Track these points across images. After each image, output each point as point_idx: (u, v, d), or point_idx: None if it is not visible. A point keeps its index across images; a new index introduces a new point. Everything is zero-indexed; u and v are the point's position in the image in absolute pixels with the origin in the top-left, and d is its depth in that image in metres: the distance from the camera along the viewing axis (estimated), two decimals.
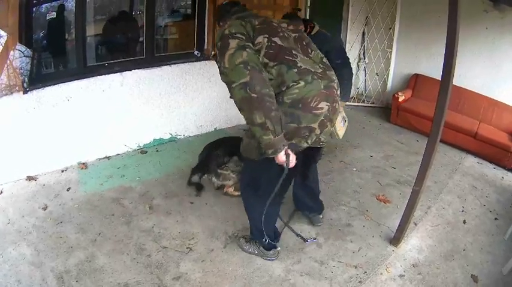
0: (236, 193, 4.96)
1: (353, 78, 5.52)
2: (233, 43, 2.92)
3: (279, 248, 4.06)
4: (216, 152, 5.00)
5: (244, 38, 2.98)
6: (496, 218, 5.33)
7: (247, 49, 2.90)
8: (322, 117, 3.11)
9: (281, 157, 2.95)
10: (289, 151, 2.98)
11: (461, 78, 7.64)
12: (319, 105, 3.05)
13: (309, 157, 3.90)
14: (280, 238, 4.16)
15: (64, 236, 4.04)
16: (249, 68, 2.80)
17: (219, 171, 4.90)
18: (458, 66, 7.51)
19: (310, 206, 4.64)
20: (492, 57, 7.62)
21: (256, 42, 3.02)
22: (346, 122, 5.28)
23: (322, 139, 3.38)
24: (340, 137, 5.16)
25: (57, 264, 3.67)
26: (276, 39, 3.08)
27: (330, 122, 3.26)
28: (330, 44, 4.98)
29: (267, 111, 2.81)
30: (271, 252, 4.01)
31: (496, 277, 4.22)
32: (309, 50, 3.24)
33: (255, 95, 2.78)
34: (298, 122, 3.05)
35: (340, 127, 5.15)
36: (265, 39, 3.04)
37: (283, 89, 3.01)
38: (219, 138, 5.30)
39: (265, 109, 2.81)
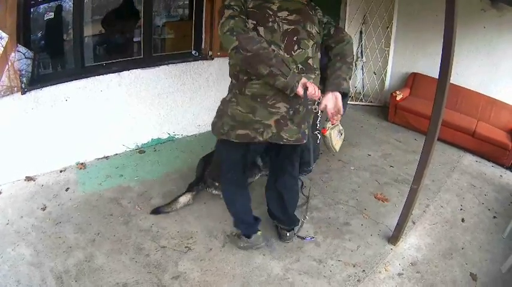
0: None
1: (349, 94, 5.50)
2: (226, 13, 3.03)
3: (259, 232, 4.05)
4: (211, 167, 4.99)
5: (238, 10, 3.05)
6: (494, 217, 5.34)
7: (235, 18, 2.99)
8: (279, 117, 3.19)
9: (300, 92, 2.95)
10: (307, 83, 2.96)
11: (459, 77, 7.68)
12: (276, 105, 3.17)
13: (281, 154, 3.83)
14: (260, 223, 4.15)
15: (63, 236, 4.03)
16: (234, 33, 2.92)
17: (216, 183, 4.88)
18: (456, 65, 7.51)
19: (276, 215, 4.29)
20: (490, 56, 7.64)
21: None
22: (343, 135, 5.29)
23: (285, 137, 3.29)
24: (337, 151, 5.18)
25: (56, 264, 3.67)
26: (260, 29, 3.10)
27: (294, 124, 3.27)
28: None
29: (267, 60, 2.88)
30: (252, 238, 4.01)
31: (495, 275, 4.23)
32: (295, 47, 3.16)
33: (250, 53, 2.89)
34: (253, 115, 3.20)
35: (337, 140, 5.17)
36: (252, 26, 3.09)
37: (246, 79, 3.15)
38: (211, 152, 5.19)
39: (264, 60, 2.88)
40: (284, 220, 4.24)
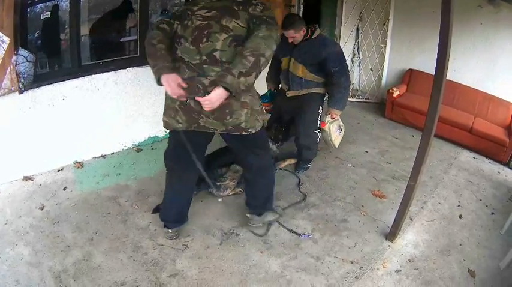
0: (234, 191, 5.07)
1: (349, 86, 5.60)
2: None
3: (169, 231, 4.14)
4: (210, 169, 4.96)
5: (166, 20, 3.56)
6: (492, 213, 5.35)
7: (159, 25, 3.52)
8: (180, 103, 3.49)
9: (164, 85, 3.36)
10: (163, 79, 3.29)
11: (456, 74, 7.71)
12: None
13: (232, 143, 4.02)
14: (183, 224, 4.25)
15: (61, 235, 4.04)
16: (152, 34, 3.50)
17: (218, 184, 4.93)
18: (453, 62, 7.57)
19: (247, 201, 4.42)
20: (487, 52, 7.64)
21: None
22: (343, 130, 5.34)
23: (208, 126, 3.52)
24: (336, 146, 5.29)
25: (54, 263, 3.68)
26: (179, 27, 3.46)
27: (216, 119, 3.46)
28: (328, 50, 5.06)
29: (151, 55, 3.36)
30: (164, 230, 4.18)
31: (494, 271, 4.24)
32: (204, 40, 3.30)
33: (145, 47, 3.47)
34: (166, 99, 3.69)
35: (336, 136, 5.22)
36: (176, 26, 3.49)
37: None
38: (212, 153, 5.22)
39: (150, 54, 3.37)
40: (251, 203, 4.36)
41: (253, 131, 3.60)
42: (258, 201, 4.31)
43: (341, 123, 5.44)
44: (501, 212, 5.36)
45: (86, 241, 4.01)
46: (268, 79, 6.11)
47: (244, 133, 3.57)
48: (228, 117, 3.43)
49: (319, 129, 5.43)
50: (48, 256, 3.76)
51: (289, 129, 5.92)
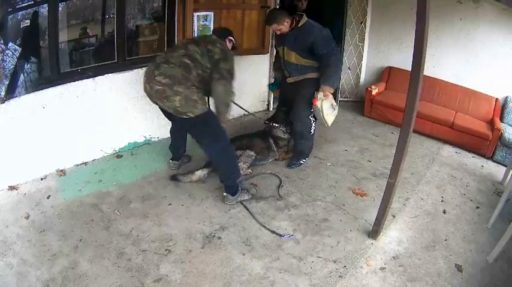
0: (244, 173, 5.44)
1: (341, 66, 5.99)
2: None
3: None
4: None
5: None
6: (477, 207, 5.39)
7: None
8: (149, 91, 4.56)
9: None
10: None
11: (436, 70, 7.81)
12: (143, 82, 4.64)
13: (184, 127, 5.07)
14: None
15: (47, 244, 4.02)
16: None
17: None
18: (433, 58, 7.61)
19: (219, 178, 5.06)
20: (467, 47, 7.73)
21: None
22: (336, 109, 5.45)
23: (171, 110, 4.51)
24: (329, 124, 5.40)
25: (42, 273, 3.66)
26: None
27: (159, 100, 4.52)
28: (314, 35, 5.24)
29: None
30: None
31: (482, 265, 4.28)
32: (174, 55, 4.58)
33: None
34: None
35: (328, 113, 5.26)
36: None
37: None
38: (235, 137, 5.82)
39: None
40: (221, 179, 4.96)
41: (192, 115, 4.41)
42: (222, 175, 4.90)
43: (334, 102, 5.46)
44: (486, 206, 5.41)
45: (71, 249, 3.99)
46: (275, 69, 6.53)
47: (184, 117, 4.43)
48: (165, 101, 4.40)
49: (313, 117, 5.59)
50: (35, 265, 3.75)
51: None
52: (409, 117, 3.73)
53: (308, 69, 5.61)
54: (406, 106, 3.74)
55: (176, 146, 5.58)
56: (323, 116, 5.36)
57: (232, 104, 4.99)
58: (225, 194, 4.85)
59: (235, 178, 4.79)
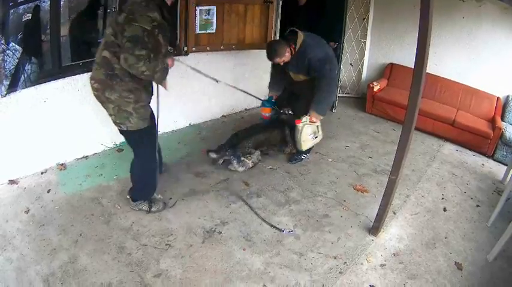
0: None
1: (334, 88, 5.80)
2: None
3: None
4: (247, 143, 5.46)
5: None
6: (477, 205, 5.40)
7: None
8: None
9: None
10: None
11: (439, 67, 7.81)
12: None
13: None
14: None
15: (47, 238, 4.01)
16: None
17: (242, 158, 5.32)
18: (435, 56, 7.60)
19: None
20: (469, 46, 7.73)
21: None
22: (318, 138, 5.45)
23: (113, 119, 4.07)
24: (303, 149, 5.45)
25: (42, 267, 3.66)
26: None
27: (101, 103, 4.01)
28: (308, 57, 5.23)
29: None
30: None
31: (482, 264, 4.28)
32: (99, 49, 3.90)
33: None
34: None
35: (306, 139, 5.31)
36: None
37: None
38: (251, 127, 5.80)
39: None
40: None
41: (125, 128, 4.04)
42: (135, 190, 4.56)
43: (318, 131, 5.46)
44: (486, 205, 5.41)
45: (71, 243, 3.98)
46: (270, 86, 6.26)
47: (117, 127, 4.10)
48: (104, 107, 4.01)
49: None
50: (35, 259, 3.74)
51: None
52: (411, 114, 3.72)
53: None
54: (409, 104, 3.73)
55: None
56: (300, 138, 5.37)
57: (165, 72, 3.97)
58: (128, 196, 4.63)
59: (146, 196, 4.60)
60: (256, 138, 5.68)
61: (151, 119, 4.33)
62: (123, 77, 3.74)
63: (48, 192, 4.73)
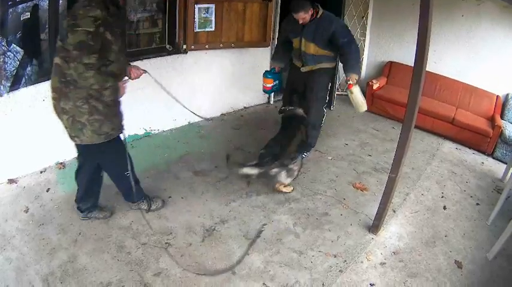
0: (285, 189, 5.15)
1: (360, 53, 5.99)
2: None
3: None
4: (290, 148, 5.09)
5: None
6: (477, 204, 5.41)
7: None
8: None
9: None
10: None
11: (438, 65, 7.82)
12: None
13: None
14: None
15: (46, 237, 4.02)
16: None
17: (290, 166, 4.91)
18: (435, 54, 7.60)
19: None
20: (469, 44, 7.74)
21: None
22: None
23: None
24: (363, 109, 5.58)
25: (41, 266, 3.66)
26: None
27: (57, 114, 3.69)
28: (334, 24, 5.31)
29: None
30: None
31: (482, 262, 4.29)
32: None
33: None
34: None
35: (362, 98, 5.33)
36: None
37: None
38: (286, 131, 5.38)
39: None
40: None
41: (79, 141, 3.74)
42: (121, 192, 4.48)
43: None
44: (486, 203, 5.42)
45: (71, 242, 3.98)
46: (275, 58, 6.32)
47: (73, 142, 3.82)
48: (60, 118, 3.72)
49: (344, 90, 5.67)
50: (35, 259, 3.74)
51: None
52: (411, 112, 3.72)
53: (324, 58, 5.66)
54: (408, 102, 3.73)
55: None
56: (359, 100, 5.46)
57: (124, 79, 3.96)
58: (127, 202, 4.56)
59: (139, 194, 4.46)
60: (295, 142, 5.28)
61: (119, 130, 3.88)
62: (76, 84, 3.40)
63: (47, 191, 4.73)
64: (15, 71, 4.44)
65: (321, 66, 5.73)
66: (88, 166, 4.09)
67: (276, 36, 7.36)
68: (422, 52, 3.45)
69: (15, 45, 4.35)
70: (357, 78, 5.40)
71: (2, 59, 4.24)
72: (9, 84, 4.42)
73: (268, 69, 6.21)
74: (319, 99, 5.75)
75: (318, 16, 5.36)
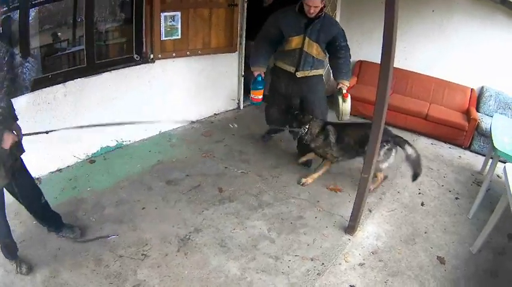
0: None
1: None
2: None
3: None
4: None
5: None
6: (456, 198, 5.46)
7: None
8: None
9: None
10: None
11: (409, 62, 7.97)
12: None
13: None
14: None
15: (28, 253, 3.98)
16: None
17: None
18: (405, 50, 7.68)
19: None
20: (440, 38, 7.84)
21: None
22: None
23: None
24: (348, 117, 5.56)
25: (26, 283, 3.65)
26: None
27: None
28: (337, 26, 5.35)
29: None
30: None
31: (466, 256, 4.33)
32: None
33: None
34: None
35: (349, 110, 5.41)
36: None
37: None
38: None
39: None
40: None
41: None
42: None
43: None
44: (466, 197, 5.47)
45: (51, 258, 3.97)
46: (258, 61, 5.53)
47: None
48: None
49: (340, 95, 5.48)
50: (19, 275, 3.72)
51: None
52: (380, 110, 3.80)
53: (320, 63, 5.54)
54: (377, 99, 3.81)
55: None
56: (348, 109, 5.49)
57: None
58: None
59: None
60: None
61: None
62: None
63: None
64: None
65: (315, 73, 5.57)
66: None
67: (243, 42, 7.33)
68: (389, 47, 3.47)
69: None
70: (348, 84, 5.42)
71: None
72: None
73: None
74: (322, 105, 5.76)
75: (323, 15, 5.15)
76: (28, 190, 3.82)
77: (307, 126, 5.41)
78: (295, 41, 5.29)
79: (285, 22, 5.26)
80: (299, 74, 5.48)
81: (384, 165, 5.16)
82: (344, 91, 5.33)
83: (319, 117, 5.54)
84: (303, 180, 5.39)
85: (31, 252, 4.02)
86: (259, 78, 5.49)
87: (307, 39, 5.23)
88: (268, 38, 5.45)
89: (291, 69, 5.48)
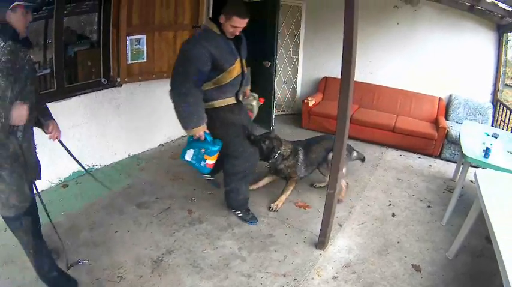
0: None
1: None
2: None
3: None
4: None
5: None
6: (429, 206, 5.56)
7: None
8: None
9: None
10: None
11: (375, 76, 8.19)
12: None
13: None
14: None
15: (11, 277, 4.06)
16: None
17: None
18: (370, 65, 7.84)
19: None
20: (405, 50, 8.05)
21: None
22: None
23: None
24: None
25: None
26: None
27: None
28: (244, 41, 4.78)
29: None
30: None
31: (443, 262, 4.40)
32: None
33: None
34: None
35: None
36: None
37: None
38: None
39: None
40: None
41: None
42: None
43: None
44: (438, 204, 5.58)
45: (33, 280, 3.96)
46: (200, 117, 4.40)
47: None
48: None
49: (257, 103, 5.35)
50: None
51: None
52: (342, 123, 3.95)
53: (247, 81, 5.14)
54: (338, 112, 4.01)
55: None
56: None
57: None
58: None
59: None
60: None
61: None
62: None
63: (5, 231, 4.66)
64: None
65: (245, 90, 5.17)
66: None
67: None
68: (349, 60, 3.58)
69: None
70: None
71: None
72: None
73: (196, 138, 4.55)
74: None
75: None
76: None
77: (280, 150, 5.49)
78: (236, 69, 4.53)
79: (218, 53, 4.30)
80: (242, 99, 5.03)
81: (344, 170, 5.25)
82: (255, 96, 5.32)
83: (256, 133, 5.14)
84: (273, 205, 5.35)
85: (14, 275, 4.09)
86: (209, 138, 4.51)
87: (242, 60, 4.63)
88: (201, 81, 4.42)
89: (232, 100, 4.75)
